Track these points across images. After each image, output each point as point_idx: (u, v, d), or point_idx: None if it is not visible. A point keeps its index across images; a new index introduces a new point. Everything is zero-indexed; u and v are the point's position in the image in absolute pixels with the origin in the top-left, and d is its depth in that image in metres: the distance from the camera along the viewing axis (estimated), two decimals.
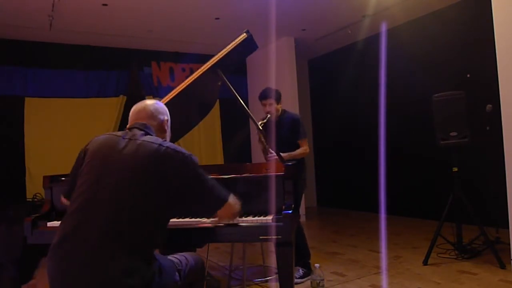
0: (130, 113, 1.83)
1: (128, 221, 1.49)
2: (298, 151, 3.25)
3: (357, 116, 6.38)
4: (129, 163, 1.57)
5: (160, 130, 1.81)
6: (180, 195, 1.64)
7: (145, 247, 1.53)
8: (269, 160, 2.92)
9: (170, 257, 1.74)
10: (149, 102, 1.86)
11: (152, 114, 1.79)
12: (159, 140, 1.65)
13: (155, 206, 1.56)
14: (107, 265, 1.42)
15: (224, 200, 1.73)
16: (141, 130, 1.70)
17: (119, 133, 1.71)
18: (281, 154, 2.81)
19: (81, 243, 1.45)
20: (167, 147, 1.62)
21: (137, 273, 1.45)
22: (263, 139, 3.07)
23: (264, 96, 3.32)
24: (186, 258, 1.78)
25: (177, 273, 1.68)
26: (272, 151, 2.92)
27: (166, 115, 1.86)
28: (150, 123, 1.77)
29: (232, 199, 1.77)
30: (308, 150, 3.32)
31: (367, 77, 6.01)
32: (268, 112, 3.26)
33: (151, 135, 1.71)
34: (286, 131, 3.31)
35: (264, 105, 3.31)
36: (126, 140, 1.64)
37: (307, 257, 3.33)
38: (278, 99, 3.34)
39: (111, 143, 1.65)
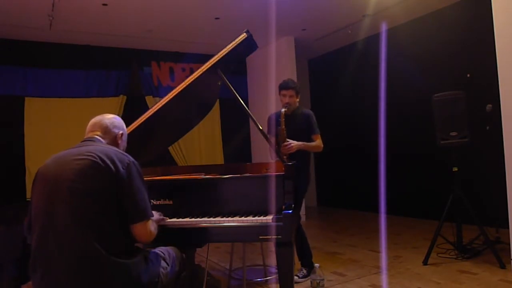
0: (88, 125, 1.89)
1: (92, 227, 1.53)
2: (314, 143, 3.22)
3: (357, 116, 6.38)
4: (74, 175, 1.58)
5: (113, 144, 1.86)
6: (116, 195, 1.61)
7: (121, 245, 1.59)
8: (287, 147, 2.93)
9: (153, 249, 1.83)
10: (108, 116, 1.92)
11: (106, 127, 1.86)
12: (99, 148, 1.69)
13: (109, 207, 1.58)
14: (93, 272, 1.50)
15: (147, 216, 1.67)
16: (89, 141, 1.77)
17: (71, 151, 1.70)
18: (296, 142, 2.98)
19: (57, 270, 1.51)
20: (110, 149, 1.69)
21: (122, 267, 1.54)
22: (283, 131, 3.00)
23: (286, 86, 3.24)
24: (166, 250, 1.88)
25: (162, 261, 1.77)
26: (289, 140, 2.97)
27: (121, 130, 1.92)
28: (103, 136, 1.84)
29: (153, 225, 1.73)
30: (322, 145, 3.28)
31: (367, 77, 6.01)
32: (286, 103, 3.19)
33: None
34: (300, 126, 3.26)
35: (284, 95, 3.22)
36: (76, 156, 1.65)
37: (309, 257, 3.32)
38: (298, 93, 3.29)
39: (61, 163, 1.66)
